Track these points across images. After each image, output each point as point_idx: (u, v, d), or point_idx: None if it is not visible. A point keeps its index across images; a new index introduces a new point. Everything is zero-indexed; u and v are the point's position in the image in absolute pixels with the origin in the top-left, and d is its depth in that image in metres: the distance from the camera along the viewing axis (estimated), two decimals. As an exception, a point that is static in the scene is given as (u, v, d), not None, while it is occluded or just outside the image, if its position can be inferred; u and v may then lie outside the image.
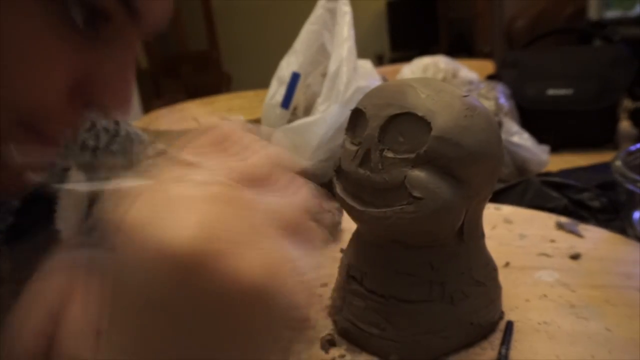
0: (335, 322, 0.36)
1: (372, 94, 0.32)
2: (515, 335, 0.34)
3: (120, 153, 0.54)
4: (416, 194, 0.28)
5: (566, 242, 0.46)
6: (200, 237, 0.17)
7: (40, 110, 0.24)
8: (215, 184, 0.19)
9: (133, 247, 0.18)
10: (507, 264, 0.42)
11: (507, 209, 0.53)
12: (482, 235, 0.34)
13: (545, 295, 0.38)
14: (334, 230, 0.49)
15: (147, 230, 0.17)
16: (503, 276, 0.36)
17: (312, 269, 0.20)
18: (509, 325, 0.35)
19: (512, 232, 0.48)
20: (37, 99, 0.24)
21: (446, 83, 0.32)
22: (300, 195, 0.21)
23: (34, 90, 0.24)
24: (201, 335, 0.18)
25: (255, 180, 0.20)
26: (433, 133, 0.28)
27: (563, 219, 0.50)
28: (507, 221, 0.51)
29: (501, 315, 0.36)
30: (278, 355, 0.19)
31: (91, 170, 0.52)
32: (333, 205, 0.51)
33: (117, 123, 0.54)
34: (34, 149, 0.26)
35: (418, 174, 0.28)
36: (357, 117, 0.33)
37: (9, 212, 0.40)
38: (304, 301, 0.19)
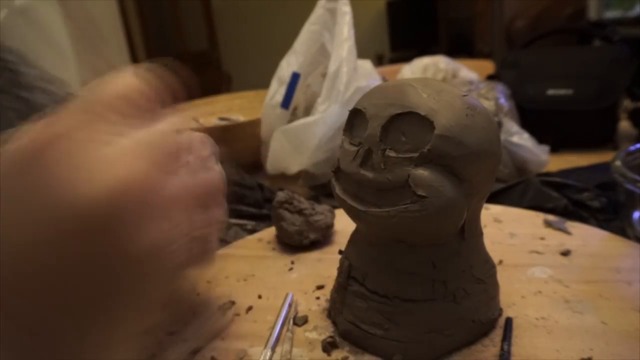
0: (335, 324, 0.36)
1: (371, 94, 0.32)
2: (515, 331, 0.35)
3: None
4: (420, 192, 0.28)
5: (555, 239, 0.47)
6: (113, 199, 0.18)
7: None
8: (128, 145, 0.19)
9: (45, 186, 0.18)
10: (500, 262, 0.43)
11: (495, 209, 0.54)
12: (481, 233, 0.35)
13: (540, 292, 0.39)
14: (326, 232, 0.50)
15: (64, 174, 0.18)
16: (498, 274, 0.36)
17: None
18: (509, 321, 0.35)
19: (503, 231, 0.49)
20: None
21: (445, 83, 0.32)
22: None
23: None
24: (87, 289, 0.18)
25: (164, 155, 0.21)
26: (436, 132, 0.28)
27: (551, 217, 0.50)
28: (497, 220, 0.52)
29: (500, 312, 0.36)
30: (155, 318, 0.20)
31: None
32: (325, 207, 0.51)
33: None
34: None
35: (422, 172, 0.28)
36: (355, 117, 0.33)
37: None
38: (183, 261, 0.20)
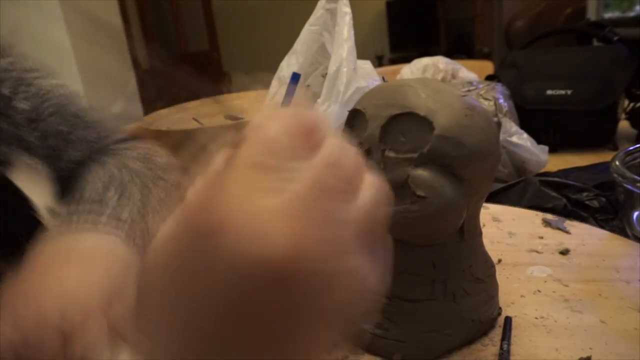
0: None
1: (370, 95, 0.32)
2: (514, 331, 0.35)
3: (92, 138, 0.53)
4: (420, 193, 0.28)
5: (554, 238, 0.47)
6: (292, 248, 0.17)
7: None
8: (300, 190, 0.18)
9: (222, 246, 0.17)
10: (499, 261, 0.43)
11: (494, 208, 0.54)
12: (480, 233, 0.35)
13: (539, 291, 0.39)
14: None
15: (238, 236, 0.17)
16: (497, 273, 0.36)
17: (381, 281, 0.20)
18: (508, 320, 0.35)
19: (502, 230, 0.49)
20: None
21: (444, 83, 0.32)
22: (375, 200, 0.20)
23: None
24: (271, 344, 0.18)
25: (340, 184, 0.19)
26: (435, 132, 0.28)
27: (549, 216, 0.51)
28: (496, 219, 0.52)
29: (499, 311, 0.37)
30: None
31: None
32: None
33: (85, 110, 0.53)
34: None
35: (421, 173, 0.28)
36: (355, 117, 0.33)
37: None
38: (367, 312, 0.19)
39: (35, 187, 0.46)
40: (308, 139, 0.20)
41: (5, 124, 0.46)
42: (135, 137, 0.59)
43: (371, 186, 0.21)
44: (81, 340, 0.32)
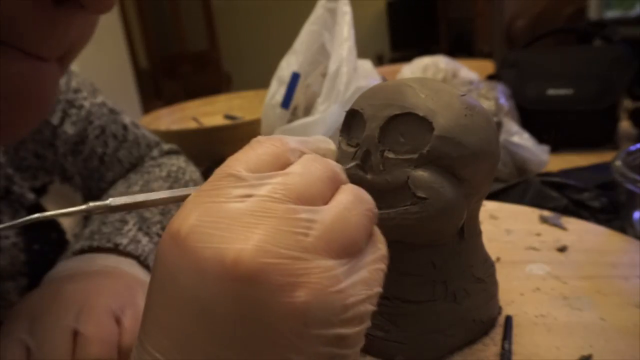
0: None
1: (368, 95, 0.32)
2: (515, 330, 0.35)
3: (126, 159, 0.54)
4: (420, 194, 0.28)
5: (551, 235, 0.47)
6: (256, 254, 0.18)
7: (3, 20, 0.22)
8: (271, 201, 0.19)
9: (187, 253, 0.18)
10: (498, 259, 0.43)
11: (491, 205, 0.54)
12: (480, 232, 0.35)
13: (538, 289, 0.39)
14: None
15: (205, 243, 0.18)
16: (496, 271, 0.36)
17: (362, 290, 0.20)
18: (509, 320, 0.35)
19: (499, 228, 0.49)
20: None
21: (443, 82, 0.32)
22: (354, 211, 0.21)
23: None
24: (241, 348, 0.18)
25: (309, 199, 0.20)
26: (435, 133, 0.28)
27: (546, 213, 0.50)
28: (493, 217, 0.52)
29: (499, 310, 0.36)
30: None
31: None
32: None
33: (125, 128, 0.54)
34: (23, 66, 0.24)
35: (421, 174, 0.28)
36: (353, 118, 0.33)
37: (23, 207, 0.40)
38: (350, 325, 0.19)
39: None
40: (278, 160, 0.22)
41: (49, 153, 0.46)
42: (171, 151, 0.60)
43: (346, 193, 0.22)
44: (94, 345, 0.32)
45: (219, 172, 0.21)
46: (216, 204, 0.19)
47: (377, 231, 0.23)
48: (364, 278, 0.20)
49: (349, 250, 0.20)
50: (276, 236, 0.18)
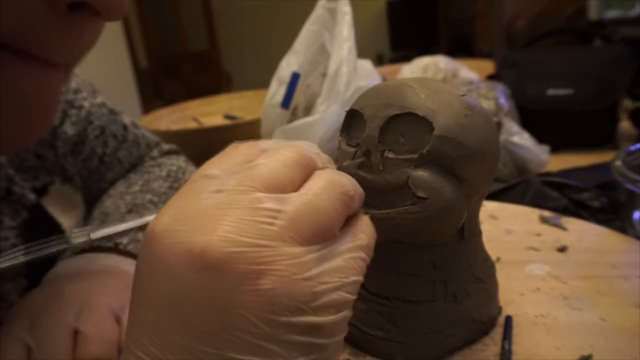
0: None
1: (368, 95, 0.32)
2: (515, 330, 0.35)
3: (126, 159, 0.54)
4: (420, 194, 0.28)
5: (551, 235, 0.47)
6: (220, 244, 0.18)
7: (18, 26, 0.22)
8: (237, 193, 0.20)
9: (160, 251, 0.19)
10: (498, 259, 0.43)
11: (491, 205, 0.54)
12: (480, 232, 0.35)
13: (538, 289, 0.39)
14: None
15: (176, 239, 0.19)
16: (496, 271, 0.36)
17: (335, 278, 0.20)
18: (509, 320, 0.35)
19: (499, 228, 0.49)
20: (10, 13, 0.22)
21: (443, 82, 0.32)
22: (324, 196, 0.21)
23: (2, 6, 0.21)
24: (215, 340, 0.18)
25: (277, 186, 0.21)
26: (435, 133, 0.28)
27: (546, 213, 0.50)
28: (493, 217, 0.52)
29: (499, 310, 0.36)
30: None
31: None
32: None
33: (125, 128, 0.54)
34: (34, 73, 0.24)
35: (421, 174, 0.28)
36: (353, 118, 0.33)
37: (24, 207, 0.40)
38: (323, 313, 0.19)
39: (66, 213, 0.46)
40: (251, 160, 0.22)
41: (50, 153, 0.46)
42: (171, 151, 0.60)
43: (317, 179, 0.22)
44: (94, 344, 0.32)
45: (194, 175, 0.22)
46: (188, 202, 0.20)
47: (363, 221, 0.23)
48: (338, 266, 0.20)
49: (319, 237, 0.20)
50: (241, 226, 0.19)
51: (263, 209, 0.19)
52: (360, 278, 0.21)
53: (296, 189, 0.21)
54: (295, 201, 0.20)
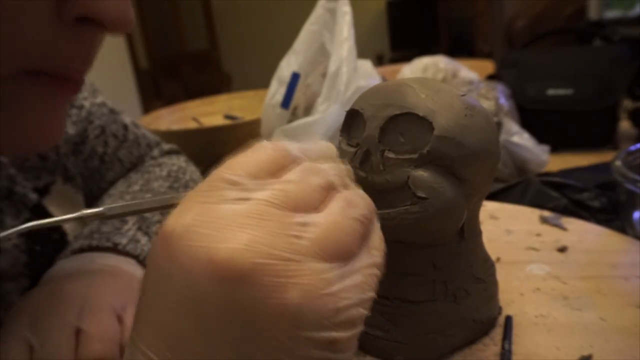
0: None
1: (368, 95, 0.32)
2: (515, 330, 0.35)
3: (126, 158, 0.54)
4: (420, 194, 0.28)
5: (551, 235, 0.47)
6: (247, 254, 0.18)
7: (29, 44, 0.23)
8: (268, 205, 0.20)
9: (179, 252, 0.19)
10: (498, 259, 0.43)
11: (491, 205, 0.54)
12: (480, 232, 0.35)
13: (538, 289, 0.39)
14: None
15: (198, 242, 0.18)
16: (496, 271, 0.36)
17: (354, 294, 0.20)
18: (509, 320, 0.35)
19: (499, 228, 0.49)
20: (21, 32, 0.22)
21: (443, 82, 0.32)
22: (346, 217, 0.21)
23: (12, 26, 0.22)
24: (232, 349, 0.18)
25: (305, 209, 0.21)
26: (435, 133, 0.28)
27: (546, 213, 0.50)
28: (493, 217, 0.52)
29: (499, 310, 0.36)
30: None
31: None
32: None
33: (125, 128, 0.55)
34: (51, 91, 0.25)
35: (422, 174, 0.28)
36: (353, 118, 0.33)
37: (25, 207, 0.40)
38: (342, 329, 0.19)
39: (67, 213, 0.46)
40: (276, 166, 0.22)
41: (52, 153, 0.46)
42: (171, 151, 0.60)
43: (338, 200, 0.22)
44: (97, 343, 0.32)
45: (217, 173, 0.21)
46: (212, 204, 0.20)
47: (376, 238, 0.23)
48: (357, 282, 0.20)
49: (342, 255, 0.20)
50: (269, 238, 0.18)
51: (294, 224, 0.19)
52: (374, 294, 0.21)
53: (317, 210, 0.21)
54: (322, 220, 0.20)
